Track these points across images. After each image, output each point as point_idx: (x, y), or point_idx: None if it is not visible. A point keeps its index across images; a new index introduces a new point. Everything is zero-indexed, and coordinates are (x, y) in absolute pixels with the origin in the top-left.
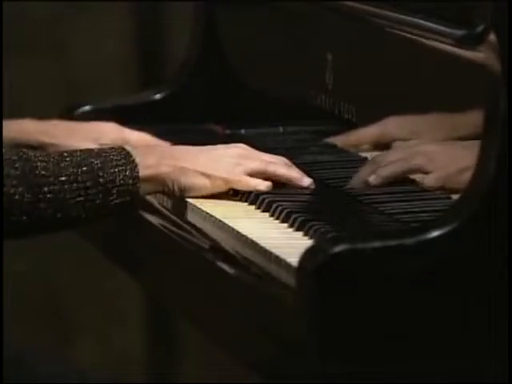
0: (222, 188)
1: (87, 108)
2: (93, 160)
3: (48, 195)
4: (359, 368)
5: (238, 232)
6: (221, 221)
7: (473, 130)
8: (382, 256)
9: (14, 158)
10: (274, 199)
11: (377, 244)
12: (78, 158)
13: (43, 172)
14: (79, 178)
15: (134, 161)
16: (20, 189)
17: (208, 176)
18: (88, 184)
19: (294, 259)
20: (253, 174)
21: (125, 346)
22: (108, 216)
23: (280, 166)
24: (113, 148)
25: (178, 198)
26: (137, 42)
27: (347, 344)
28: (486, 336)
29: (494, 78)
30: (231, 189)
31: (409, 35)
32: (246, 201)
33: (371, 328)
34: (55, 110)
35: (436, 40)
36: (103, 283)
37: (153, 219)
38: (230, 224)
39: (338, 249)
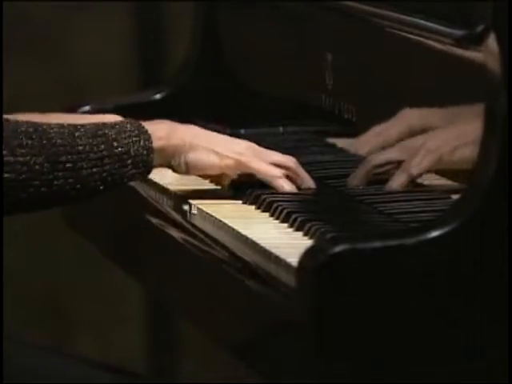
0: (232, 168)
1: (87, 108)
2: (107, 131)
3: (67, 164)
4: (359, 368)
5: (237, 232)
6: (221, 221)
7: (473, 129)
8: (381, 256)
9: (30, 129)
10: (274, 199)
11: (377, 244)
12: (93, 130)
13: (60, 141)
14: (95, 149)
15: (146, 131)
16: (39, 159)
17: (218, 154)
18: (104, 153)
19: (293, 259)
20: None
21: (125, 346)
22: (122, 185)
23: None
24: (125, 120)
25: (174, 195)
26: (137, 42)
27: (347, 344)
28: (486, 336)
29: (493, 78)
30: (233, 185)
31: (409, 35)
32: (246, 201)
33: (371, 328)
34: (55, 110)
35: (436, 40)
36: (103, 283)
37: (153, 219)
38: (230, 224)
39: (338, 249)
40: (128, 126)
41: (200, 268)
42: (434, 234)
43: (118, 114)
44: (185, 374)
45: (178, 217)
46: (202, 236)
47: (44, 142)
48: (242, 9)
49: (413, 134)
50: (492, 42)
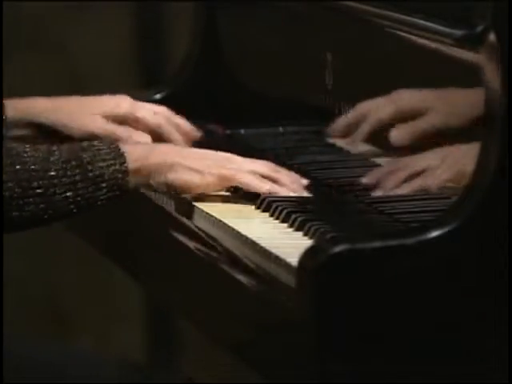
0: (215, 185)
1: None
2: (82, 154)
3: (37, 190)
4: (359, 368)
5: (237, 232)
6: (220, 221)
7: (473, 129)
8: (381, 256)
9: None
10: (274, 199)
11: (377, 244)
12: (67, 153)
13: (32, 167)
14: (68, 173)
15: (122, 154)
16: (10, 184)
17: (200, 172)
18: (77, 178)
19: (293, 259)
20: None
21: (125, 346)
22: (98, 208)
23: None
24: (102, 142)
25: (174, 195)
26: (137, 42)
27: (347, 344)
28: (486, 336)
29: (493, 78)
30: (228, 187)
31: (409, 35)
32: (246, 201)
33: (371, 328)
34: None
35: (436, 40)
36: (103, 283)
37: (152, 219)
38: (230, 224)
39: (338, 249)
40: (104, 148)
41: (200, 268)
42: (434, 234)
43: None
44: (184, 374)
45: (177, 217)
46: (201, 236)
47: (17, 167)
48: (242, 9)
49: (403, 115)
50: (492, 42)
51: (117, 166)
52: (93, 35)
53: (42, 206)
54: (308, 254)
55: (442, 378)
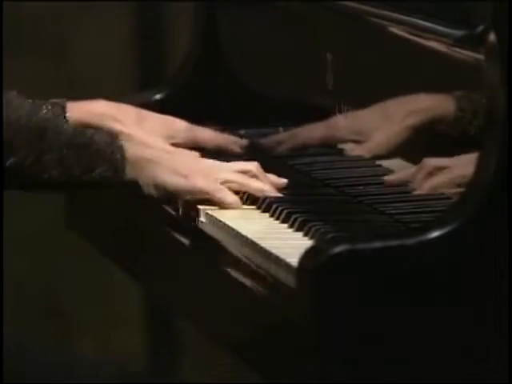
0: (198, 195)
1: None
2: (85, 131)
3: (52, 143)
4: (359, 368)
5: (237, 232)
6: (221, 221)
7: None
8: (382, 256)
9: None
10: (274, 200)
11: (377, 244)
12: (72, 127)
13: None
14: (75, 141)
15: (121, 146)
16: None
17: (185, 176)
18: (81, 143)
19: (294, 259)
20: (230, 183)
21: (124, 346)
22: (89, 186)
23: (253, 181)
24: (101, 130)
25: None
26: (137, 42)
27: (347, 344)
28: (487, 336)
29: (493, 79)
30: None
31: (409, 35)
32: (245, 201)
33: (371, 328)
34: None
35: (436, 40)
36: (103, 283)
37: (152, 220)
38: (230, 224)
39: (338, 249)
40: (104, 135)
41: (200, 268)
42: (435, 234)
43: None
44: (185, 374)
45: (177, 217)
46: (202, 236)
47: (32, 122)
48: (242, 9)
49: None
50: (492, 42)
51: (115, 151)
52: (93, 35)
53: (50, 157)
54: (308, 255)
55: (442, 378)
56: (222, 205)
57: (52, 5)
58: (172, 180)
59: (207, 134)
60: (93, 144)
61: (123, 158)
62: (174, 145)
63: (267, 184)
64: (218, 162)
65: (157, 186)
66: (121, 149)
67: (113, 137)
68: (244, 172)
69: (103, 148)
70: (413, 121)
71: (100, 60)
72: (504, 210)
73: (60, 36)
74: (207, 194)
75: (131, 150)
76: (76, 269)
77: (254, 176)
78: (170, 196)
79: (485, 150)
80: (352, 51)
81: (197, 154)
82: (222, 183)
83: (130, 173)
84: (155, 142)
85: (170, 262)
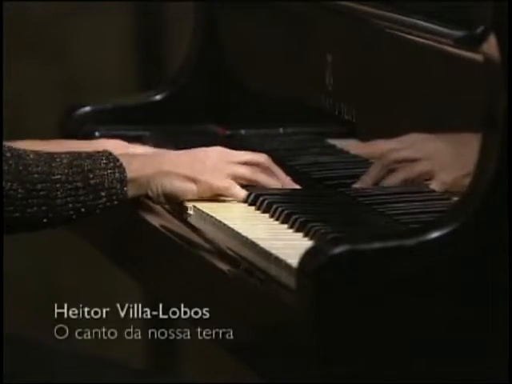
0: (208, 193)
1: (87, 109)
2: (82, 162)
3: (41, 192)
4: (359, 368)
5: (238, 233)
6: (221, 222)
7: (473, 130)
8: (382, 257)
9: (8, 154)
10: (274, 200)
11: (377, 245)
12: (69, 160)
13: (36, 169)
14: (70, 178)
15: (121, 165)
16: (14, 184)
17: (193, 180)
18: (79, 185)
19: (294, 260)
20: (237, 178)
21: (124, 347)
22: (95, 215)
23: (262, 174)
24: (100, 152)
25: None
26: (137, 43)
27: (347, 344)
28: (487, 336)
29: (494, 79)
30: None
31: (409, 36)
32: (246, 202)
33: (371, 328)
34: (55, 111)
35: (436, 41)
36: (103, 283)
37: (153, 220)
38: (230, 225)
39: (339, 250)
40: (103, 158)
41: (200, 268)
42: (434, 234)
43: (117, 114)
44: (185, 375)
45: (178, 218)
46: (202, 237)
47: (20, 168)
48: (242, 9)
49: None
50: (492, 42)
51: (116, 175)
52: (93, 35)
53: (43, 208)
54: (308, 255)
55: (442, 378)
56: (234, 199)
57: (52, 5)
58: (180, 187)
59: (140, 150)
60: (94, 177)
61: (124, 181)
62: None
63: (274, 179)
64: (223, 153)
65: (166, 195)
66: (121, 171)
67: (110, 160)
68: (254, 164)
69: (103, 176)
70: None
71: (100, 61)
72: (503, 210)
73: (60, 37)
74: (218, 191)
75: (130, 168)
76: (76, 269)
77: (266, 169)
78: (180, 201)
79: (485, 151)
80: (352, 51)
81: (196, 150)
82: (231, 178)
83: (132, 191)
84: (145, 149)
85: (170, 263)
